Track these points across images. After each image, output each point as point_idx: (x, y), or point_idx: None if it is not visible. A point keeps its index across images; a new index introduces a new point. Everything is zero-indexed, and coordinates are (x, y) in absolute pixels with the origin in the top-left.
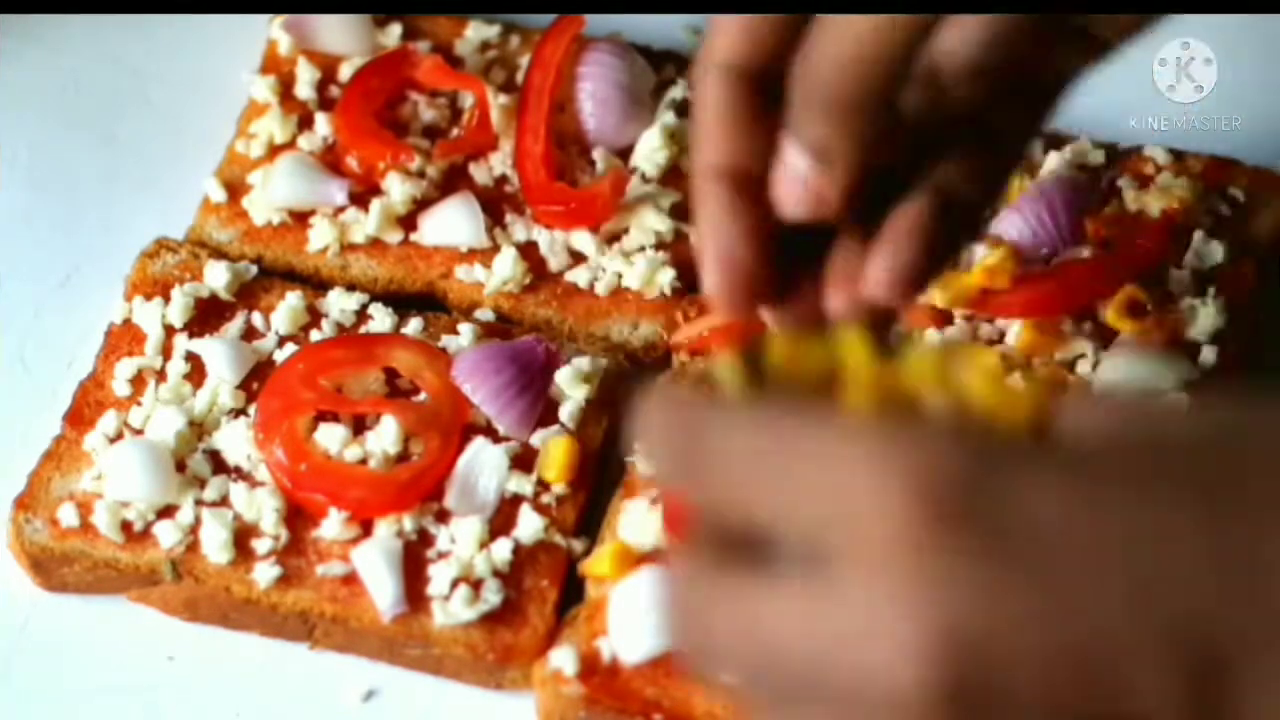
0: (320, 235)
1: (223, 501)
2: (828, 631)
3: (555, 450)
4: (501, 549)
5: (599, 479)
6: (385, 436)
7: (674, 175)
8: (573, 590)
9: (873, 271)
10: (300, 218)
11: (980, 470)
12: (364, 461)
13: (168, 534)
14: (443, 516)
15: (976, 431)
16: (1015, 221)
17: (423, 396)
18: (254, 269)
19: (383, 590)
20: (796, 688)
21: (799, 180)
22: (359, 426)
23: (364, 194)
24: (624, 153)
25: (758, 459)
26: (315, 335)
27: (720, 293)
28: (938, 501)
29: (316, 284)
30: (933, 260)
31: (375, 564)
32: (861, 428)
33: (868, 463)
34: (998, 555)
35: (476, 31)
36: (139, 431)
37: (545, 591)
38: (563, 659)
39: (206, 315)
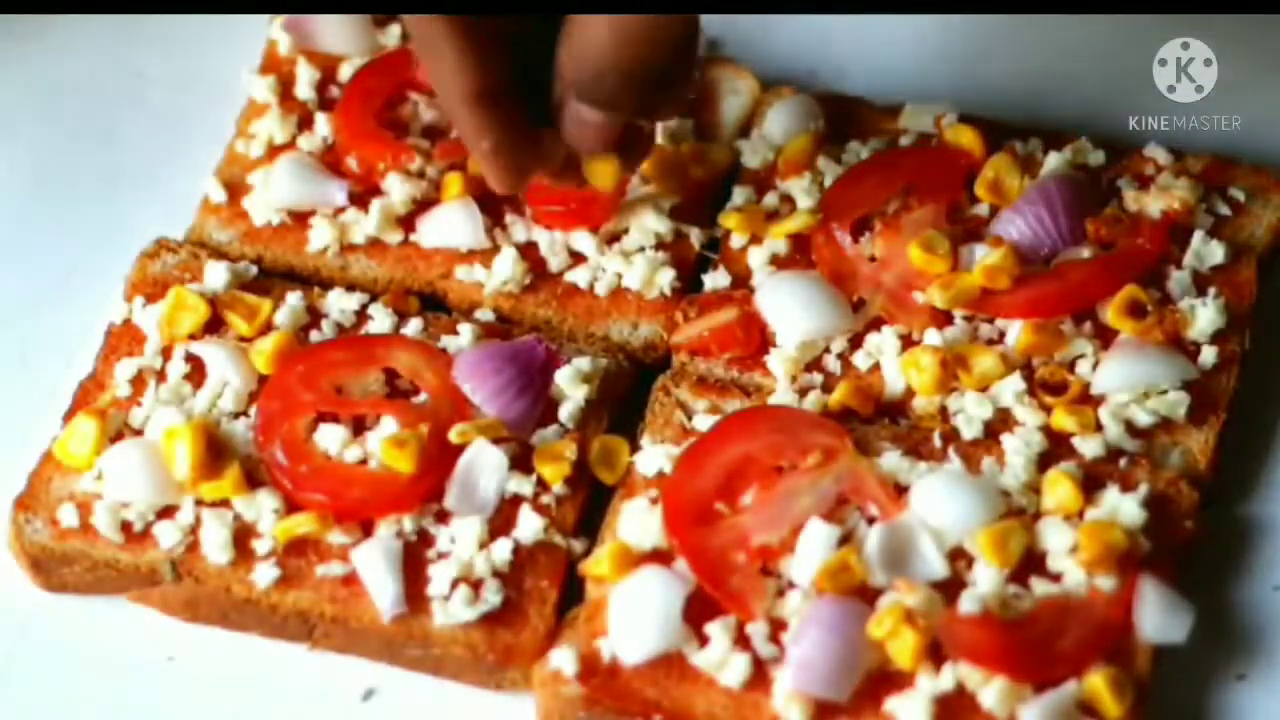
0: (320, 235)
1: (223, 501)
2: None
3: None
4: (501, 549)
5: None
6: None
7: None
8: (573, 590)
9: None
10: (300, 218)
11: None
12: (364, 461)
13: (168, 534)
14: (443, 516)
15: None
16: (1015, 221)
17: (423, 397)
18: (254, 269)
19: (383, 590)
20: None
21: (589, 124)
22: (359, 427)
23: (364, 194)
24: None
25: None
26: (315, 335)
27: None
28: None
29: (316, 284)
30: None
31: (375, 564)
32: None
33: None
34: None
35: None
36: (139, 431)
37: (545, 591)
38: (563, 659)
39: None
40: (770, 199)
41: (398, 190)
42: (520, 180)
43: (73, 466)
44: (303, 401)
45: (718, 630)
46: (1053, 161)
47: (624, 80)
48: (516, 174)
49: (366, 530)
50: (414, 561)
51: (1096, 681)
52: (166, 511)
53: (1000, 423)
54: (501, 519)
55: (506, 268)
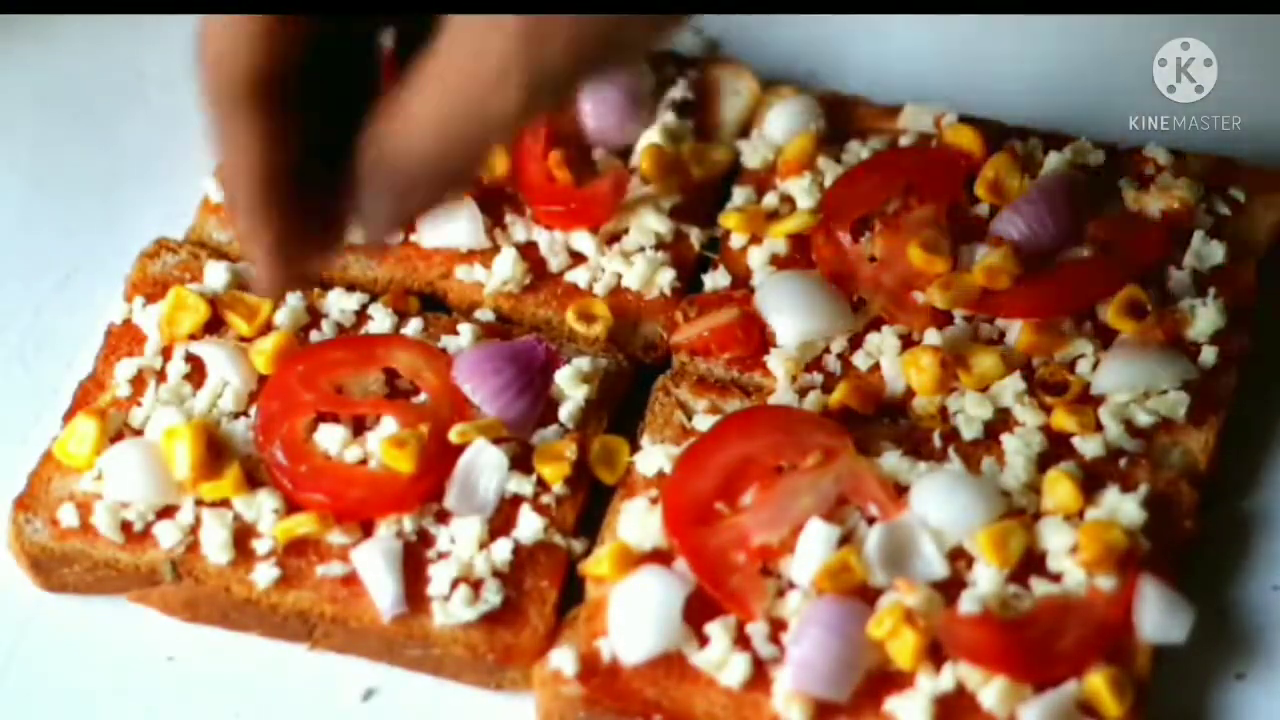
0: None
1: (223, 501)
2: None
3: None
4: (501, 549)
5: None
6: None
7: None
8: (573, 590)
9: None
10: None
11: None
12: (364, 461)
13: (168, 534)
14: (443, 516)
15: None
16: (1015, 221)
17: (423, 397)
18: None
19: (383, 590)
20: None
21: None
22: (359, 427)
23: None
24: (624, 153)
25: None
26: (315, 335)
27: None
28: None
29: (316, 284)
30: None
31: (375, 564)
32: None
33: None
34: None
35: None
36: (139, 431)
37: (545, 591)
38: (563, 659)
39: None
40: (770, 199)
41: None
42: (288, 289)
43: (73, 466)
44: (303, 401)
45: (718, 630)
46: (1053, 161)
47: (433, 187)
48: (280, 284)
49: (366, 530)
50: (414, 561)
51: (1096, 681)
52: (166, 511)
53: (1000, 423)
54: (501, 519)
55: (506, 268)
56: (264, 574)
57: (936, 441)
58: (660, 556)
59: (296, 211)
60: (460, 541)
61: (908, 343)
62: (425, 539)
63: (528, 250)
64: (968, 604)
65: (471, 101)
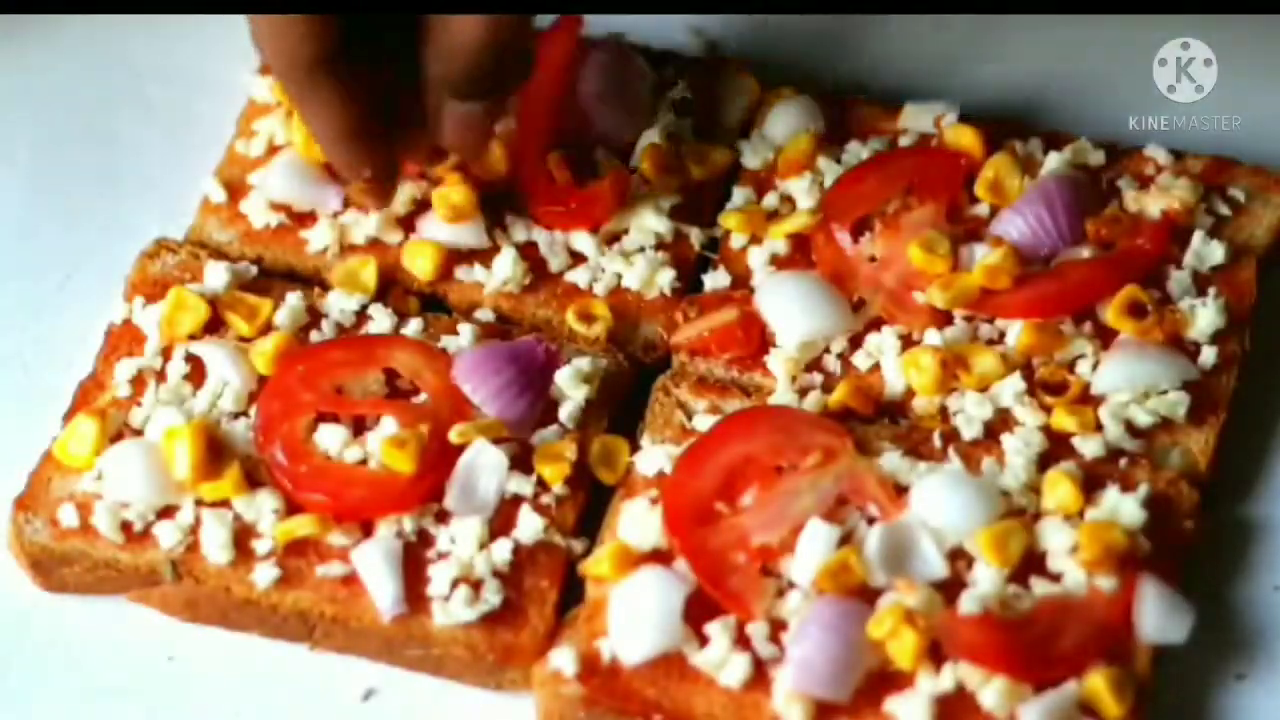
0: (320, 236)
1: (223, 501)
2: None
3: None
4: (501, 549)
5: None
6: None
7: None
8: (573, 590)
9: None
10: (300, 218)
11: None
12: (364, 462)
13: (168, 534)
14: (443, 517)
15: None
16: (1015, 221)
17: (423, 397)
18: (254, 269)
19: (383, 590)
20: None
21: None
22: (359, 427)
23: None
24: (624, 153)
25: None
26: (315, 335)
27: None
28: None
29: (316, 284)
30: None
31: (375, 564)
32: None
33: None
34: None
35: None
36: (139, 432)
37: (545, 592)
38: (563, 659)
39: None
40: (770, 199)
41: (397, 191)
42: (392, 196)
43: (73, 466)
44: (303, 401)
45: (718, 630)
46: (1053, 161)
47: (498, 67)
48: (392, 193)
49: (366, 530)
50: (414, 561)
51: (1096, 682)
52: (166, 511)
53: (1000, 423)
54: (501, 519)
55: (506, 268)
56: (264, 574)
57: (936, 441)
58: (660, 556)
59: (384, 147)
60: (460, 542)
61: (908, 343)
62: (425, 539)
63: (528, 250)
64: (968, 604)
65: None
